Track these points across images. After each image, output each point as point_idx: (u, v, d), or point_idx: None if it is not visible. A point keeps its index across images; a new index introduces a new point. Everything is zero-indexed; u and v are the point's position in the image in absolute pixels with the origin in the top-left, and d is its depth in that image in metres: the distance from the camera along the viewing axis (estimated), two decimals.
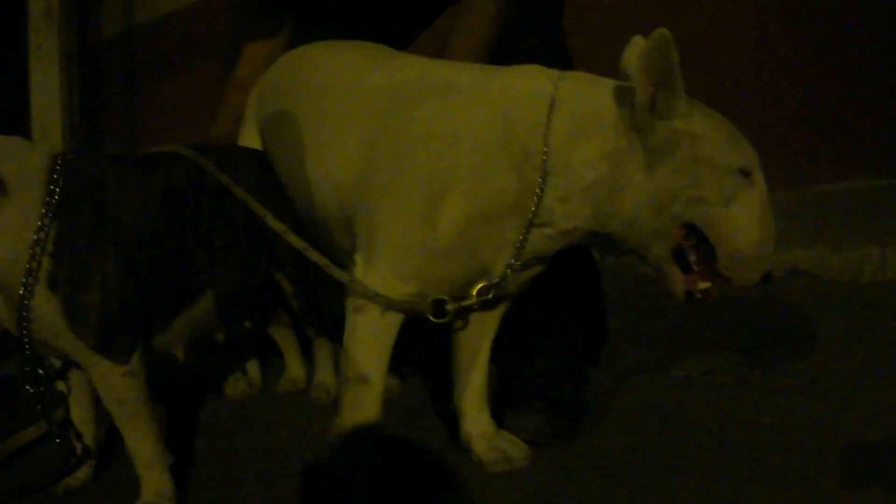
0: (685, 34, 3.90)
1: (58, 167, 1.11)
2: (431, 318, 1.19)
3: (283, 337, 1.71)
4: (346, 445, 1.22)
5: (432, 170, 1.14)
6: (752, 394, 1.68)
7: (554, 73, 1.18)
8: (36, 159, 1.11)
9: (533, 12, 1.44)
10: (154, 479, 1.17)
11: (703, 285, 1.15)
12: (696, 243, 1.14)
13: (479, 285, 1.20)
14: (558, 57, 1.44)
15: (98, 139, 4.67)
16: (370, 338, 1.19)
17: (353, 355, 1.20)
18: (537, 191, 1.13)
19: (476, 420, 1.35)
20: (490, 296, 1.20)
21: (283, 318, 1.68)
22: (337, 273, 1.19)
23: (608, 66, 1.26)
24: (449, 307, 1.18)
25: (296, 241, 1.23)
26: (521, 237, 1.16)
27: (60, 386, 1.20)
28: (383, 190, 1.17)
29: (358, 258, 1.21)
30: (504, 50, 1.39)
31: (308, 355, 1.75)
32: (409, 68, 1.27)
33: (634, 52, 1.18)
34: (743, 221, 1.10)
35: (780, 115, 3.05)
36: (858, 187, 3.79)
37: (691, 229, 1.13)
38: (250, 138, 1.53)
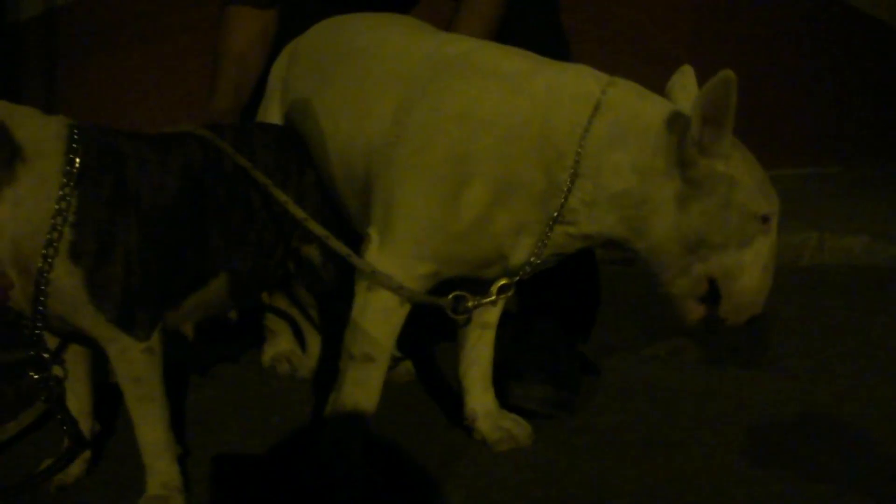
0: (624, 24, 4.01)
1: (76, 136, 1.05)
2: (451, 315, 1.19)
3: (305, 319, 1.65)
4: (344, 422, 1.20)
5: (463, 151, 1.13)
6: (722, 371, 1.73)
7: (604, 77, 1.17)
8: (53, 128, 1.06)
9: None
10: (162, 469, 1.12)
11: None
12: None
13: (500, 283, 1.19)
14: (556, 41, 1.46)
15: None
16: (382, 317, 1.18)
17: (362, 333, 1.18)
18: (564, 190, 1.12)
19: (481, 398, 1.35)
20: (511, 293, 1.20)
21: (307, 299, 1.62)
22: (359, 263, 1.17)
23: None
24: (470, 304, 1.18)
25: (317, 229, 1.20)
26: (544, 233, 1.15)
27: (57, 371, 1.13)
28: (409, 162, 1.15)
29: (373, 234, 1.19)
30: (502, 32, 1.40)
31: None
32: (457, 43, 1.26)
33: (680, 79, 1.21)
34: (749, 266, 1.11)
35: None
36: (795, 174, 3.96)
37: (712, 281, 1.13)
38: (275, 107, 1.50)
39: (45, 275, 1.02)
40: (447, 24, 1.46)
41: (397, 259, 1.16)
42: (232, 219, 1.24)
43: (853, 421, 1.45)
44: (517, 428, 1.34)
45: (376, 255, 1.17)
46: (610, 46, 3.70)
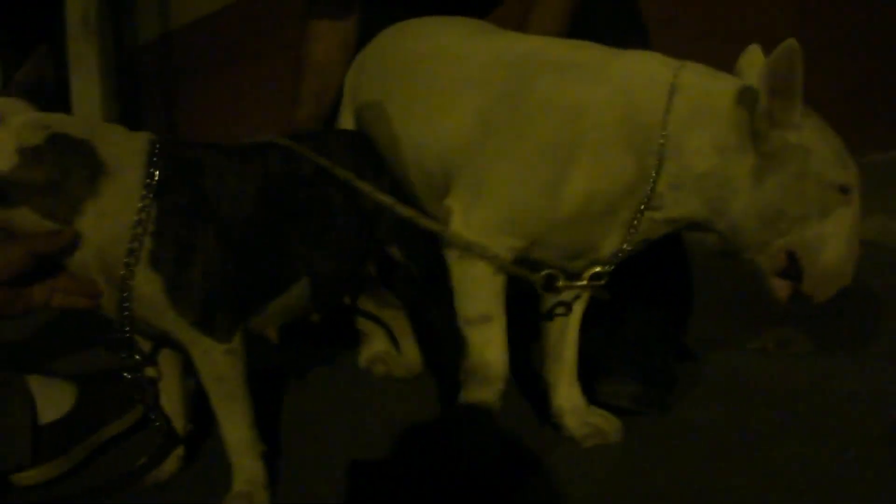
0: (727, 3, 3.84)
1: (156, 150, 1.11)
2: (541, 291, 1.21)
3: (395, 319, 1.67)
4: (479, 386, 1.21)
5: (556, 140, 1.13)
6: (830, 363, 1.63)
7: (673, 61, 1.17)
8: (134, 143, 1.12)
9: None
10: (247, 465, 1.15)
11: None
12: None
13: (593, 270, 1.20)
14: (634, 30, 1.43)
15: None
16: (483, 279, 1.19)
17: (469, 296, 1.20)
18: (652, 174, 1.12)
19: (567, 394, 1.33)
20: (602, 282, 1.21)
21: (394, 300, 1.64)
22: (451, 234, 1.18)
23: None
24: (560, 284, 1.20)
25: (405, 211, 1.23)
26: (633, 220, 1.15)
27: (150, 372, 1.20)
28: (499, 154, 1.17)
29: (455, 205, 1.20)
30: (579, 21, 1.38)
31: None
32: (525, 41, 1.27)
33: (748, 58, 1.20)
34: (832, 238, 1.10)
35: (828, 83, 2.98)
36: None
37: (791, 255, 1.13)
38: (348, 115, 1.54)
39: (127, 282, 1.07)
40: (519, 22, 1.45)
41: (483, 226, 1.17)
42: (312, 224, 1.27)
43: None
44: (606, 423, 1.31)
45: (462, 226, 1.18)
46: (708, 29, 3.56)
